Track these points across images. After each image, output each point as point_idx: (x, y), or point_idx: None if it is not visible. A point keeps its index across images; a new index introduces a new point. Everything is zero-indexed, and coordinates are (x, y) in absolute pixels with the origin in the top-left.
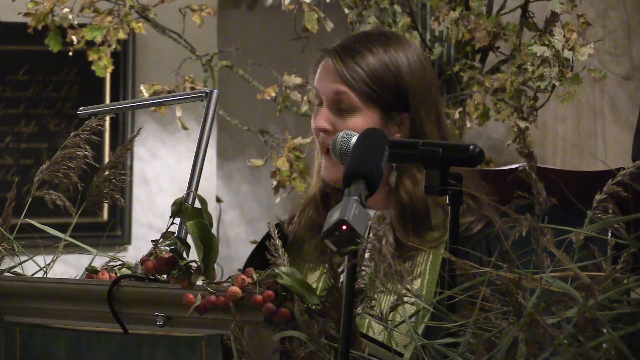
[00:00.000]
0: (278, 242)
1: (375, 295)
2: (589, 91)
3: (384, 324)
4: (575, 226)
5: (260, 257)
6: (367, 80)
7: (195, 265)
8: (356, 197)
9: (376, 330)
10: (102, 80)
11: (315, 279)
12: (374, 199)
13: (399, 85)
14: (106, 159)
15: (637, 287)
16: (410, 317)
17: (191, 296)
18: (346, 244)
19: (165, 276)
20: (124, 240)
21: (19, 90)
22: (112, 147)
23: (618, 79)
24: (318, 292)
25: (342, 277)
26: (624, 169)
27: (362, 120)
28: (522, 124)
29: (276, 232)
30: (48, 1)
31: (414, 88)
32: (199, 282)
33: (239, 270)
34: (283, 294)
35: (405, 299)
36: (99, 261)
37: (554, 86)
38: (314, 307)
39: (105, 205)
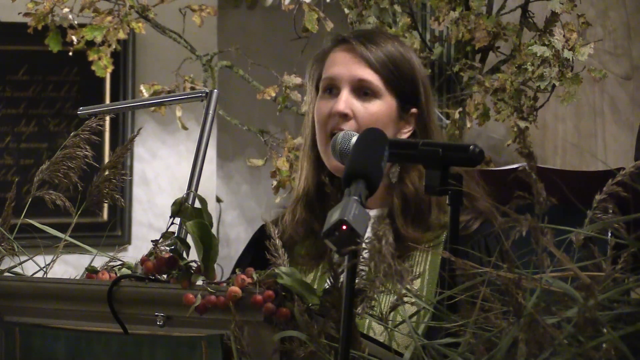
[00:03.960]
0: (278, 242)
1: (376, 296)
2: (589, 91)
3: (384, 324)
4: (575, 226)
5: (251, 255)
6: (389, 65)
7: (195, 265)
8: (356, 197)
9: (377, 331)
10: (102, 80)
11: (309, 281)
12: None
13: (414, 78)
14: (106, 159)
15: (637, 287)
16: (411, 317)
17: (191, 296)
18: (346, 244)
19: (165, 276)
20: (124, 240)
21: (19, 90)
22: (112, 147)
23: (618, 79)
24: None
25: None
26: (624, 169)
27: (382, 106)
28: (522, 124)
29: (276, 231)
30: (48, 1)
31: (424, 84)
32: (199, 282)
33: (238, 270)
34: (283, 294)
35: (405, 299)
36: (99, 261)
37: (554, 86)
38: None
39: (105, 205)
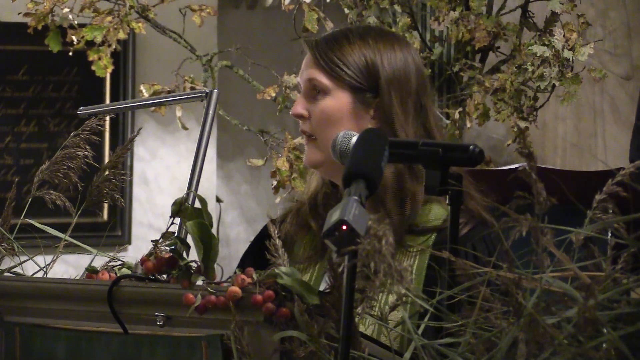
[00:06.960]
0: (278, 242)
1: (375, 296)
2: (589, 91)
3: (384, 324)
4: (575, 226)
5: (254, 255)
6: (336, 60)
7: (195, 265)
8: (356, 197)
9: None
10: (102, 80)
11: (307, 280)
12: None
13: (370, 68)
14: (106, 159)
15: (637, 287)
16: (410, 317)
17: (191, 296)
18: (346, 244)
19: (165, 276)
20: (124, 240)
21: (19, 90)
22: (112, 147)
23: (618, 79)
24: None
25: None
26: (624, 168)
27: (333, 101)
28: (522, 124)
29: (276, 231)
30: (48, 1)
31: (388, 72)
32: (199, 282)
33: (239, 270)
34: (283, 294)
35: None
36: (99, 261)
37: (554, 86)
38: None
39: (105, 205)
